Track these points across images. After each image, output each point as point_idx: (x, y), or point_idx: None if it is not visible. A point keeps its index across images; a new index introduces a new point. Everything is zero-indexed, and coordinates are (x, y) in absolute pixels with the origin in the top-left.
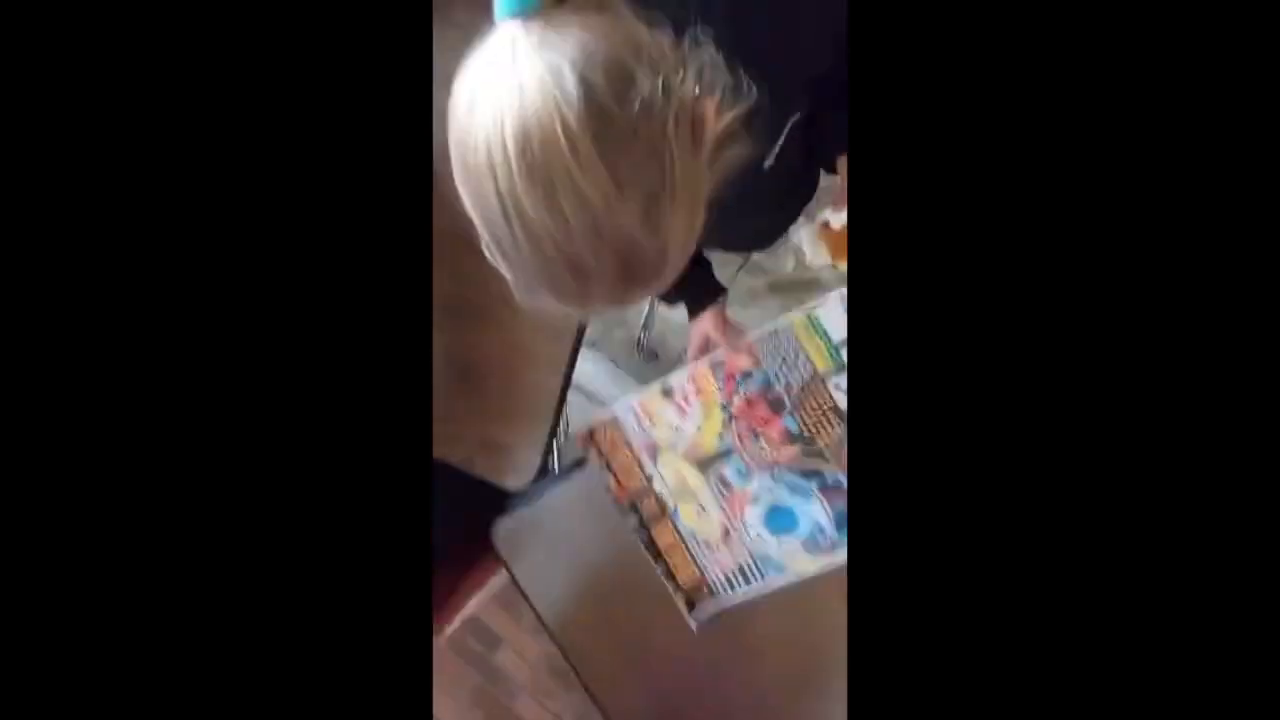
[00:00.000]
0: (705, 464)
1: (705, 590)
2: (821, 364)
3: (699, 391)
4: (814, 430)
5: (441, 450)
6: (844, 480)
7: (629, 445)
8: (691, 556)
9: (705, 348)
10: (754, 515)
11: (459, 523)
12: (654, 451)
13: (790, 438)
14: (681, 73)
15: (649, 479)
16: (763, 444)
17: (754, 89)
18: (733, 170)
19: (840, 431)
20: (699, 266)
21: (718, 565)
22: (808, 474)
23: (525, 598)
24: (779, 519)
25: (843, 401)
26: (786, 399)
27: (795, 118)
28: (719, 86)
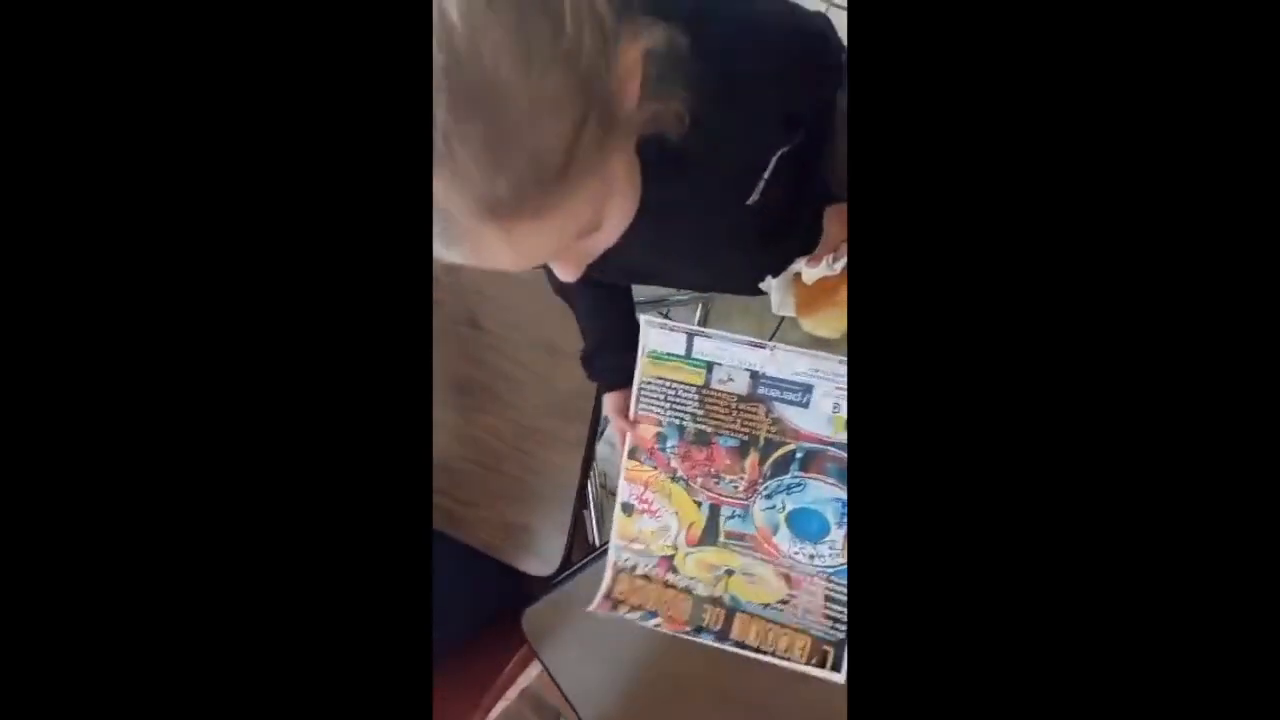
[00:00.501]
0: (711, 536)
1: (825, 647)
2: (693, 378)
3: (645, 485)
4: (748, 429)
5: (464, 534)
6: (810, 447)
7: (647, 580)
8: (785, 625)
9: (623, 437)
10: (786, 541)
11: (490, 613)
12: (670, 564)
13: (739, 453)
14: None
15: (689, 590)
16: (728, 479)
17: (712, 81)
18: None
19: (761, 408)
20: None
21: (811, 614)
22: (781, 467)
23: (559, 689)
24: (807, 525)
25: (739, 387)
26: (704, 426)
27: (783, 150)
28: (657, 59)
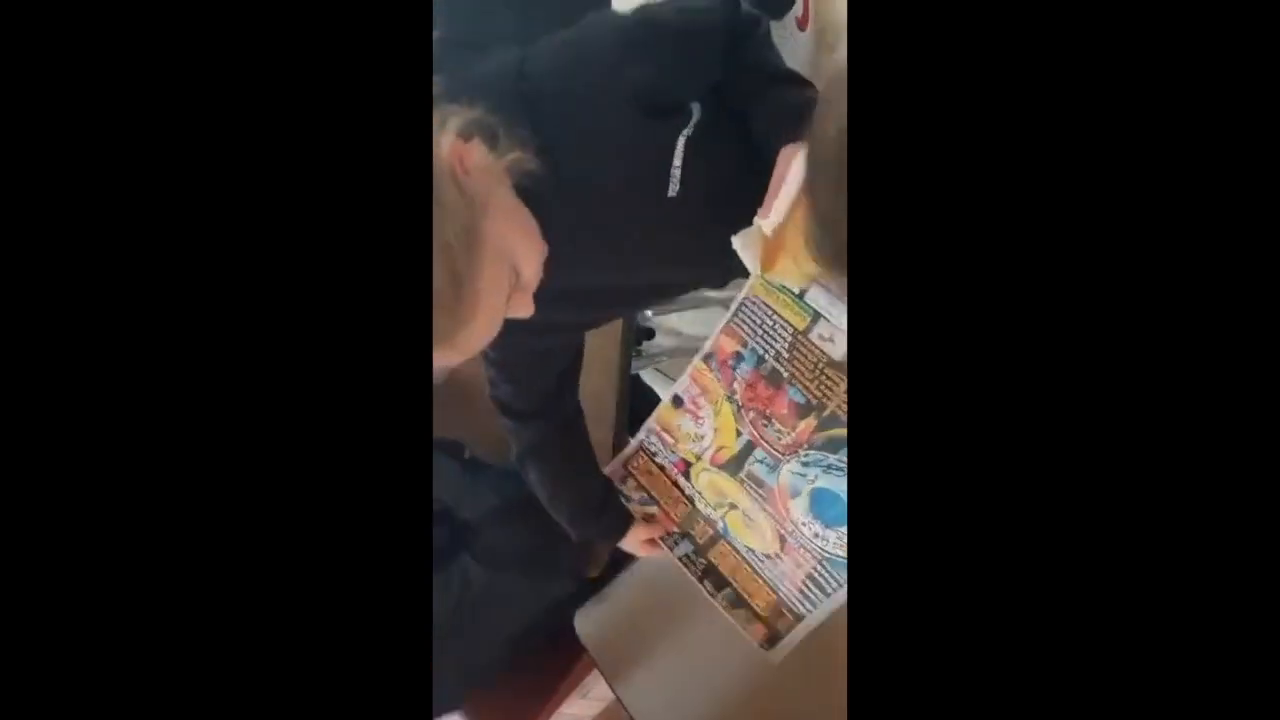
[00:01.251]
0: (734, 467)
1: (785, 614)
2: (797, 320)
3: (703, 391)
4: (820, 395)
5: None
6: None
7: (662, 469)
8: (757, 573)
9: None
10: (799, 510)
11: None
12: (686, 469)
13: (800, 410)
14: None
15: (690, 500)
16: (777, 426)
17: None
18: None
19: (844, 386)
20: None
21: (787, 580)
22: (831, 446)
23: (613, 691)
24: (827, 506)
25: (836, 352)
26: (781, 369)
27: (687, 132)
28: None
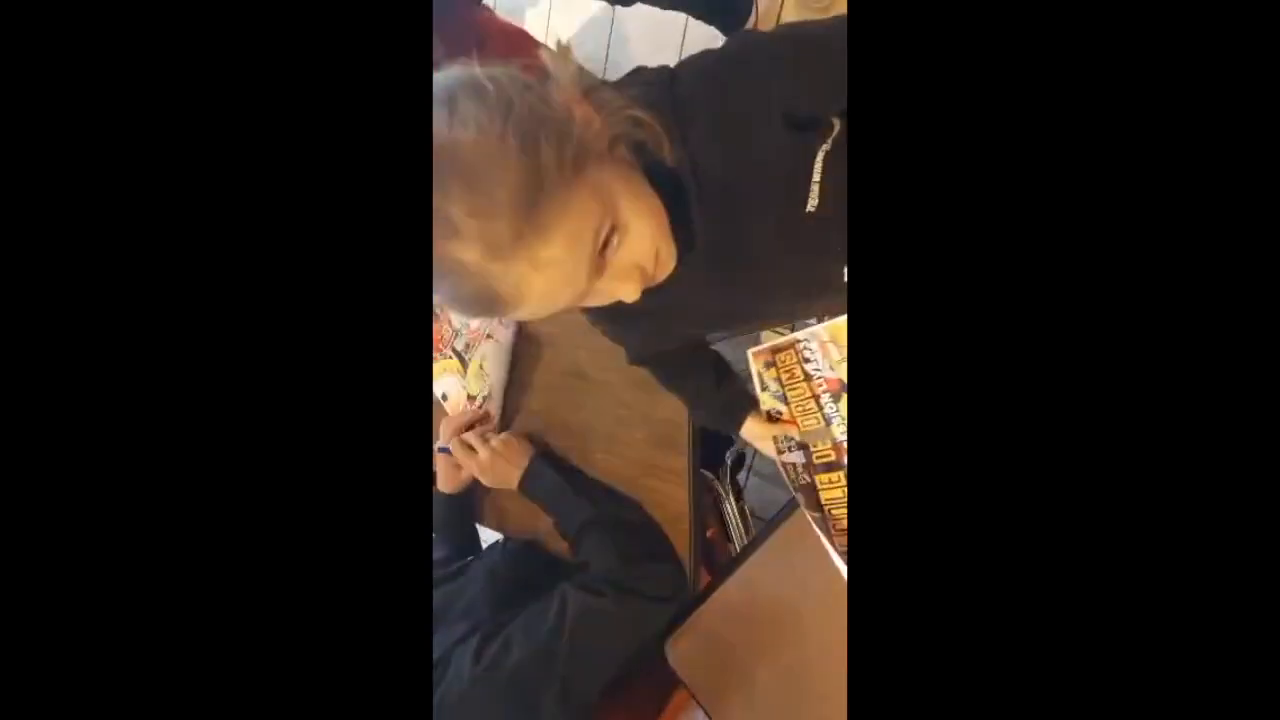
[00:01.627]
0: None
1: None
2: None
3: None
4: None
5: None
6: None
7: (808, 379)
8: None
9: None
10: None
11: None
12: (839, 389)
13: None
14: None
15: (828, 421)
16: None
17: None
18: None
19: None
20: None
21: None
22: None
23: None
24: None
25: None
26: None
27: (825, 146)
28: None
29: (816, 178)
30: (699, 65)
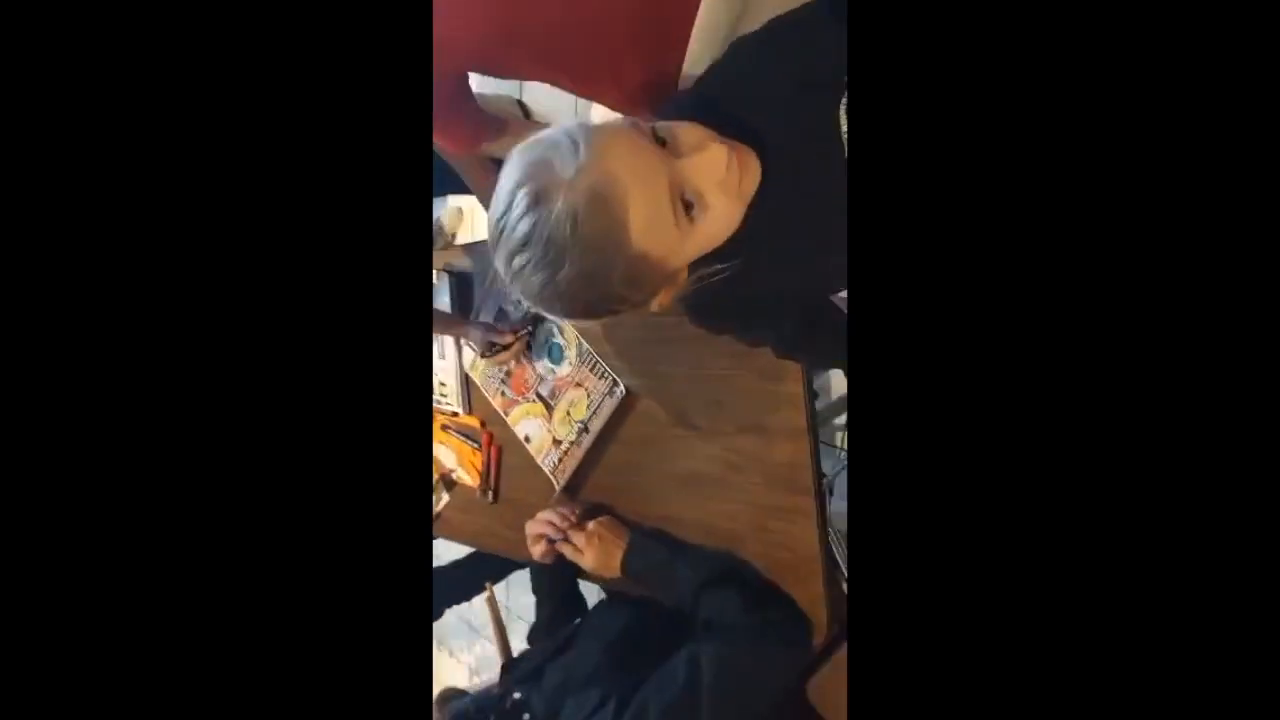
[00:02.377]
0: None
1: None
2: None
3: None
4: None
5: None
6: None
7: None
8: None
9: None
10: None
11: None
12: None
13: None
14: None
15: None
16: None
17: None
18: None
19: None
20: None
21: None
22: None
23: None
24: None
25: None
26: None
27: (843, 99)
28: None
29: (844, 128)
30: (711, 73)
